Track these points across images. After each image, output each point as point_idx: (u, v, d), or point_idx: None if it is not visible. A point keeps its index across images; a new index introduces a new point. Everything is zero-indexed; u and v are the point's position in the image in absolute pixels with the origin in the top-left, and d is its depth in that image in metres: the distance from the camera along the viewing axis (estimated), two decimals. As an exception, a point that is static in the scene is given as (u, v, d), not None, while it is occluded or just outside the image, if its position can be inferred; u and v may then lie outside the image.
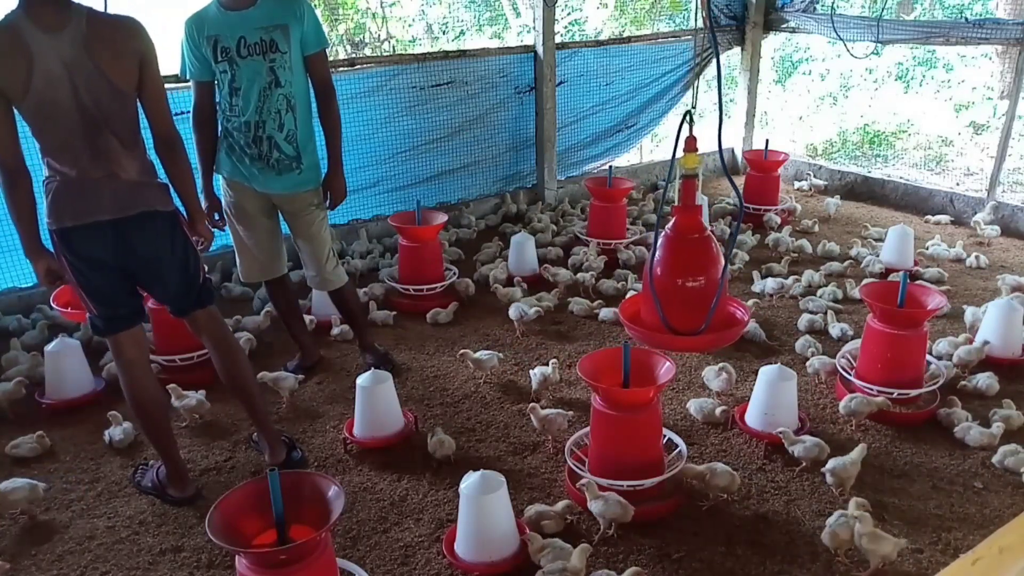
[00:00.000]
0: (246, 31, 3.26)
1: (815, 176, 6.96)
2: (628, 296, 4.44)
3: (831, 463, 2.96)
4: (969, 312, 4.21)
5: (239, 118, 3.37)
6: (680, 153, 2.54)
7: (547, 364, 3.70)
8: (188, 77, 3.41)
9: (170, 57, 3.31)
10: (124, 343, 2.84)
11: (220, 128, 3.48)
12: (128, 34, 2.58)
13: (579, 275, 4.90)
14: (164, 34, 3.40)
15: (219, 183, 3.59)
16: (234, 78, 3.31)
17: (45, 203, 2.63)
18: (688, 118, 2.52)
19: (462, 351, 3.84)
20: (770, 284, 4.66)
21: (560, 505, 2.83)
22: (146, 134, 2.74)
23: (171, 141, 2.78)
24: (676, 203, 2.65)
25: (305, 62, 3.40)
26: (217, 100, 3.44)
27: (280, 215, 3.69)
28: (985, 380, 3.60)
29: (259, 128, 3.38)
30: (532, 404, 3.40)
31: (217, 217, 3.59)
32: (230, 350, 3.05)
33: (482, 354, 3.81)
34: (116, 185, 2.61)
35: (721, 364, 3.64)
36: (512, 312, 4.32)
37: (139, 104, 2.69)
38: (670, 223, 2.64)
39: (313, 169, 3.55)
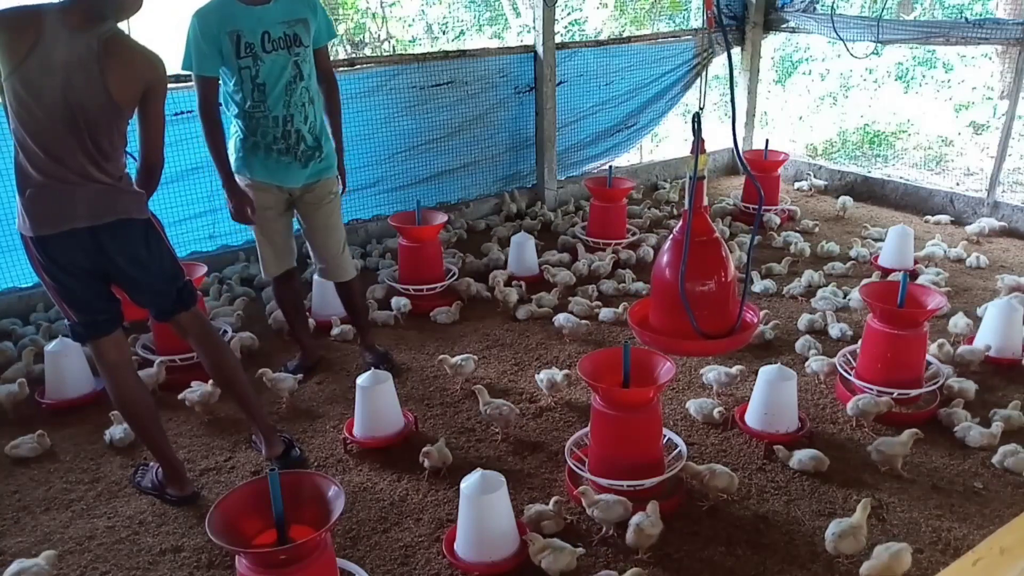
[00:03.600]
0: (269, 26, 3.27)
1: (815, 176, 6.97)
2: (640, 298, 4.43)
3: (879, 441, 3.02)
4: (955, 319, 4.14)
5: (266, 113, 3.37)
6: (696, 154, 2.52)
7: (555, 368, 3.68)
8: (196, 71, 3.31)
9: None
10: (105, 347, 2.83)
11: (241, 125, 3.43)
12: (144, 63, 2.64)
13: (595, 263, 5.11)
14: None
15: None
16: (257, 74, 3.31)
17: (18, 209, 2.62)
18: (698, 119, 2.51)
19: (441, 356, 3.82)
20: (821, 297, 4.50)
21: (551, 502, 2.82)
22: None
23: (156, 168, 2.86)
24: (684, 205, 2.63)
25: (316, 53, 3.49)
26: (232, 95, 3.38)
27: (295, 212, 3.72)
28: (961, 383, 3.54)
29: (287, 122, 3.40)
30: (478, 386, 3.44)
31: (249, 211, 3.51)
32: (216, 349, 3.05)
33: (459, 358, 3.78)
34: (90, 189, 2.60)
35: (724, 369, 3.64)
36: (562, 320, 4.26)
37: (134, 126, 2.72)
38: (677, 226, 2.63)
39: (331, 156, 3.62)
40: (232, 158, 3.47)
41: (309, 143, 3.48)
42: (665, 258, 2.62)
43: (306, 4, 3.35)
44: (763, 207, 6.00)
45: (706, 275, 2.55)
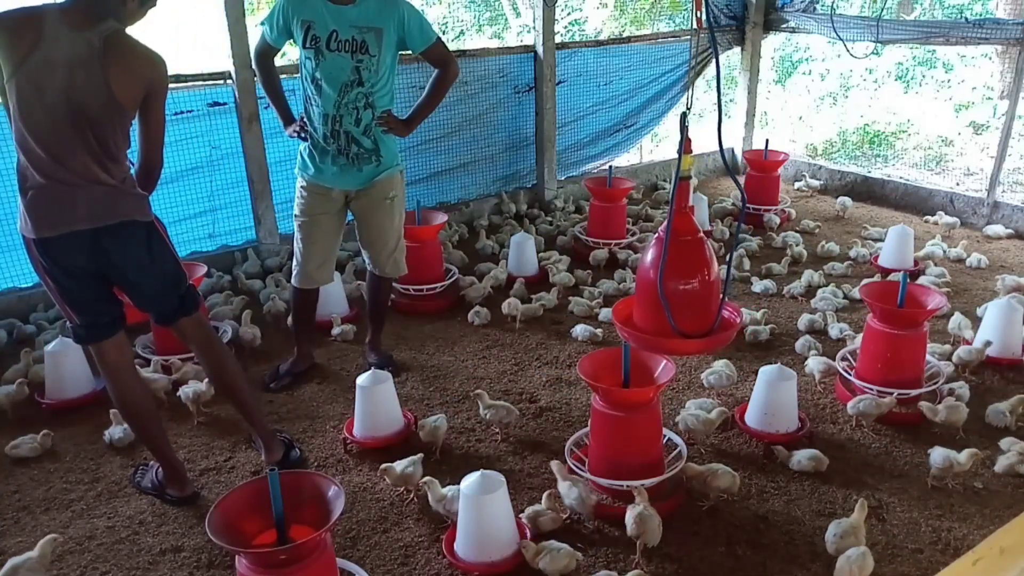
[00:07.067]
0: (340, 26, 3.29)
1: (812, 177, 7.00)
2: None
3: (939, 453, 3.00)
4: (954, 319, 4.16)
5: (317, 108, 3.42)
6: (680, 154, 2.55)
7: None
8: (264, 34, 3.48)
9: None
10: (107, 349, 2.83)
11: (303, 116, 3.53)
12: (145, 62, 2.61)
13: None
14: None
15: (295, 187, 3.65)
16: (317, 67, 3.34)
17: (20, 210, 2.61)
18: (684, 120, 2.53)
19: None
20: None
21: (544, 497, 2.83)
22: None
23: (155, 169, 2.82)
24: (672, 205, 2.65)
25: (422, 56, 3.50)
26: (302, 80, 3.45)
27: (350, 217, 3.74)
28: (959, 387, 3.53)
29: (336, 122, 3.41)
30: (479, 391, 3.42)
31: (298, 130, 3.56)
32: (218, 355, 3.04)
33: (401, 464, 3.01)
34: (92, 191, 2.58)
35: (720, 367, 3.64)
36: (580, 332, 4.27)
37: (137, 127, 2.71)
38: (663, 225, 2.65)
39: (392, 158, 3.59)
40: (298, 161, 3.59)
41: (365, 145, 3.47)
42: (649, 256, 2.64)
43: (387, 14, 3.32)
44: (763, 208, 6.02)
45: (689, 274, 2.57)
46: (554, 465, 2.92)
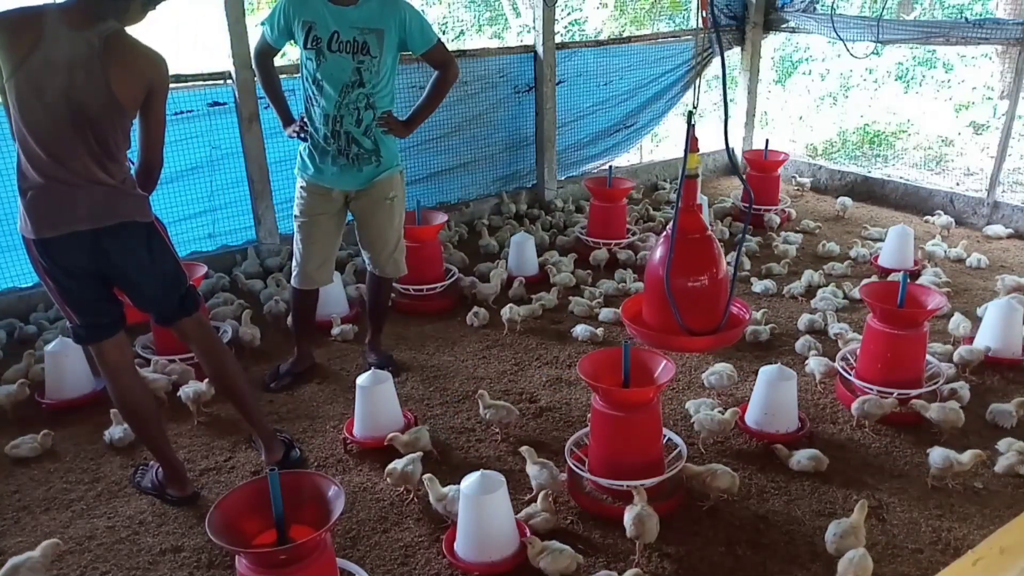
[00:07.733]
0: (341, 27, 3.29)
1: (802, 175, 7.01)
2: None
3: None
4: (954, 319, 4.15)
5: (318, 109, 3.42)
6: (686, 152, 2.55)
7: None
8: (264, 29, 3.48)
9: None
10: (108, 349, 2.83)
11: (302, 116, 3.54)
12: (146, 62, 2.60)
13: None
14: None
15: (295, 188, 3.66)
16: (318, 68, 3.34)
17: (20, 211, 2.60)
18: (691, 118, 2.53)
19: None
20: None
21: (539, 498, 2.84)
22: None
23: (154, 169, 2.81)
24: (677, 203, 2.65)
25: (423, 58, 3.51)
26: (302, 80, 3.45)
27: (350, 217, 3.74)
28: (960, 387, 3.52)
29: (337, 122, 3.42)
30: (480, 392, 3.42)
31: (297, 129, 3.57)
32: (218, 355, 3.04)
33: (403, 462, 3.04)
34: (91, 191, 2.58)
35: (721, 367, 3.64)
36: (580, 332, 4.27)
37: (137, 127, 2.70)
38: (670, 223, 2.65)
39: (392, 158, 3.60)
40: (297, 161, 3.60)
41: (365, 146, 3.48)
42: (658, 255, 2.64)
43: (388, 15, 3.33)
44: (763, 208, 6.02)
45: (698, 271, 2.58)
46: (523, 450, 2.99)
